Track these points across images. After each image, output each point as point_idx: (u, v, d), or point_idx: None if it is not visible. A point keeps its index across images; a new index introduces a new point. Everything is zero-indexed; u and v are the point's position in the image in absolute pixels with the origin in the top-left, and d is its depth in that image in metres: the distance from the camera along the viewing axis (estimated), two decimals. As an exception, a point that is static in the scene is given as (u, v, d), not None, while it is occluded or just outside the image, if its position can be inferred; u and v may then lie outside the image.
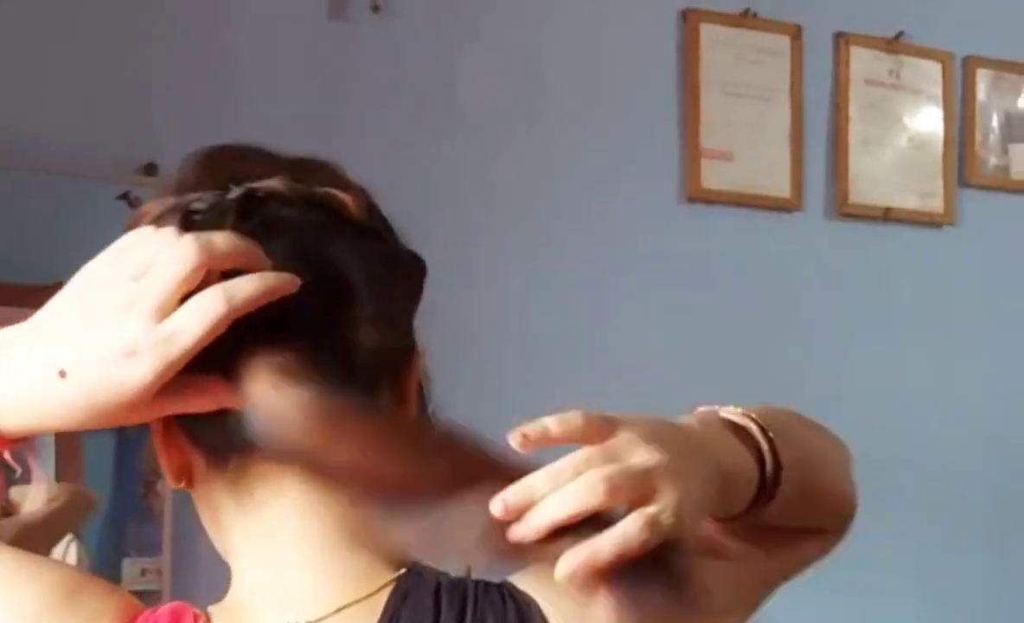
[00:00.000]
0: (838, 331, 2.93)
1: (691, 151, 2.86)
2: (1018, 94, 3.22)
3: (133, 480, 2.37)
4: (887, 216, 3.02)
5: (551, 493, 0.69)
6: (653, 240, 2.81)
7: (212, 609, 0.82)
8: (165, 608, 0.82)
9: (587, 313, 2.73)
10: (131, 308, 0.72)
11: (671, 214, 2.85)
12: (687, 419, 0.81)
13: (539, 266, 2.67)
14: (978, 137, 3.16)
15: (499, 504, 0.69)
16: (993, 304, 3.12)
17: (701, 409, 0.85)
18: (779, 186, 2.93)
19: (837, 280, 2.98)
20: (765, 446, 0.82)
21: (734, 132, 2.90)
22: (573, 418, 0.73)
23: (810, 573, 0.96)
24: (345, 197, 0.84)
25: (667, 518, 0.69)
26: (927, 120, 3.10)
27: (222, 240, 0.75)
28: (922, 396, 2.98)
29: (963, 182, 3.13)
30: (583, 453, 0.71)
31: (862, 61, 3.04)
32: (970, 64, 3.15)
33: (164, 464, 0.83)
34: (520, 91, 2.75)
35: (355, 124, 2.55)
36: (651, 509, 0.69)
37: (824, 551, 0.93)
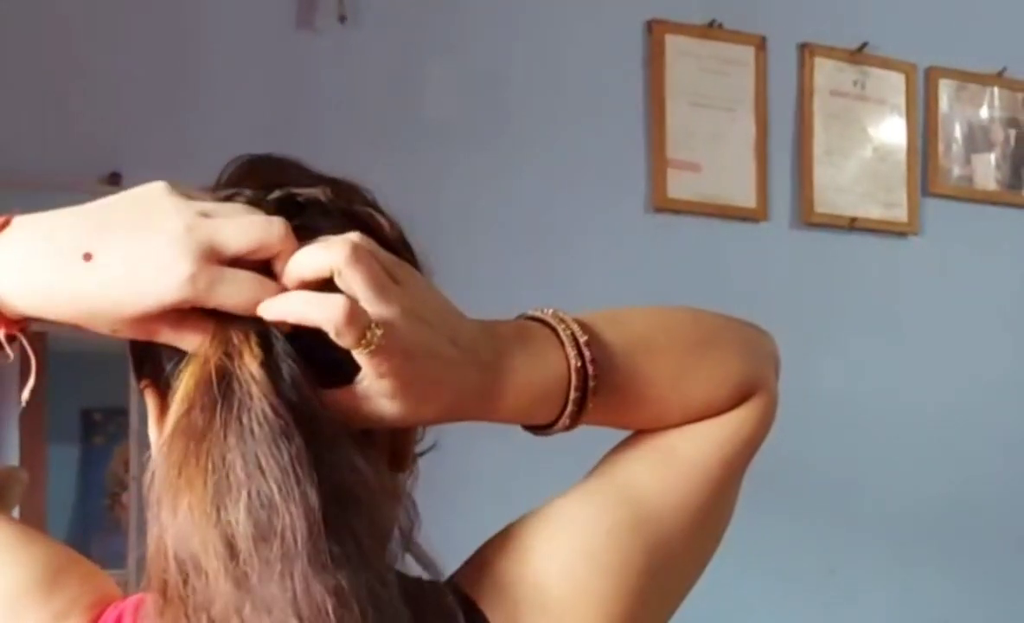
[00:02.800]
0: (803, 340, 2.94)
1: (657, 161, 2.86)
2: (980, 105, 3.25)
3: (98, 493, 2.35)
4: (852, 225, 3.04)
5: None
6: (619, 250, 2.82)
7: None
8: (131, 600, 0.82)
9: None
10: (192, 232, 0.72)
11: (637, 224, 2.85)
12: (489, 320, 0.84)
13: (505, 277, 2.66)
14: (941, 147, 3.18)
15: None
16: (956, 313, 3.14)
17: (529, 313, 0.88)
18: (744, 196, 2.94)
19: (802, 289, 2.99)
20: (571, 344, 0.84)
21: (700, 142, 2.90)
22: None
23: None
24: (382, 219, 0.86)
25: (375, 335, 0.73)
26: (891, 130, 3.12)
27: (306, 256, 0.75)
28: (886, 404, 3.00)
29: (927, 192, 3.15)
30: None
31: (826, 72, 3.05)
32: (932, 75, 3.17)
33: (157, 433, 0.83)
34: (485, 102, 2.75)
35: (321, 133, 2.54)
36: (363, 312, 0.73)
37: (756, 419, 0.94)
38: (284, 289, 0.75)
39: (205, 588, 0.70)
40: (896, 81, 3.13)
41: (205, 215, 0.74)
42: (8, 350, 0.76)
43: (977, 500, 3.06)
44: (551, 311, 0.87)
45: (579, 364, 0.84)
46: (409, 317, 0.76)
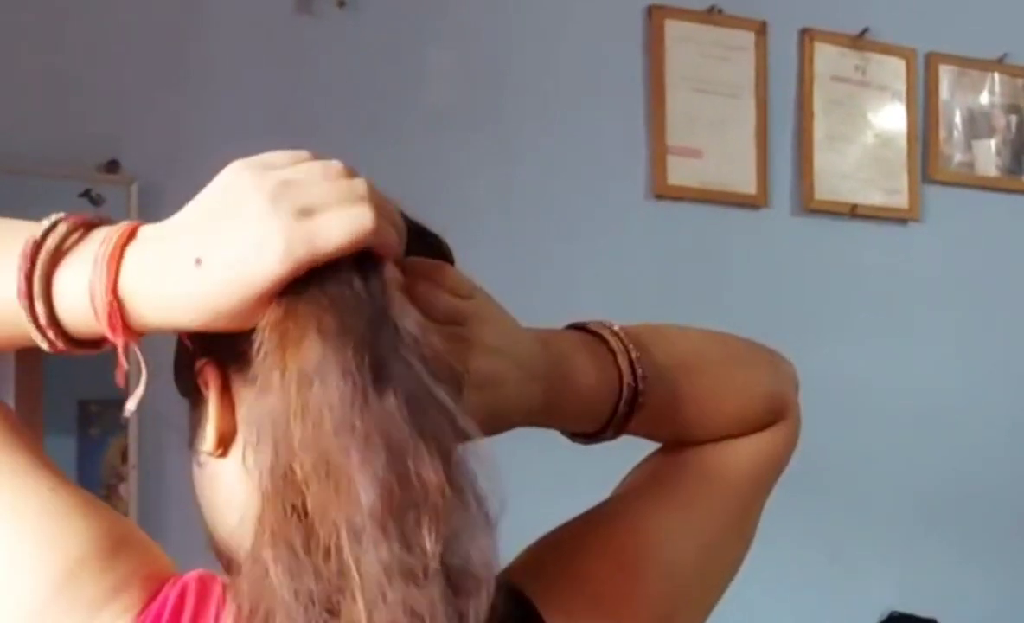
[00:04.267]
0: (805, 327, 2.94)
1: (657, 148, 2.85)
2: (981, 91, 3.24)
3: (96, 483, 2.34)
4: (853, 212, 3.03)
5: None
6: (620, 237, 2.81)
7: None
8: (192, 576, 0.81)
9: (553, 311, 2.71)
10: (278, 201, 0.73)
11: (638, 211, 2.84)
12: (547, 332, 0.90)
13: (505, 264, 2.65)
14: (942, 133, 3.17)
15: None
16: (957, 299, 3.13)
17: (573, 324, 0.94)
18: (745, 182, 2.93)
19: (803, 276, 2.98)
20: (624, 358, 0.90)
21: (700, 129, 2.89)
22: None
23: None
24: (447, 244, 0.91)
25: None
26: (892, 116, 3.11)
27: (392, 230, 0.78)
28: (888, 390, 2.99)
29: (927, 178, 3.14)
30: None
31: (827, 57, 3.04)
32: (933, 61, 3.16)
33: (214, 427, 0.85)
34: (485, 88, 2.74)
35: (319, 118, 2.53)
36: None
37: (783, 442, 1.01)
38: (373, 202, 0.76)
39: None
40: (897, 67, 3.12)
41: (287, 184, 0.74)
42: (124, 361, 0.77)
43: (979, 486, 3.06)
44: (605, 325, 0.93)
45: (631, 380, 0.89)
46: (472, 351, 0.80)
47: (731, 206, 2.91)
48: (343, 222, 0.74)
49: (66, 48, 2.41)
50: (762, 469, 0.99)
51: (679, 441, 0.97)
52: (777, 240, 2.96)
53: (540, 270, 2.70)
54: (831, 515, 2.92)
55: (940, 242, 3.13)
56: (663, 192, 2.85)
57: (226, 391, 0.85)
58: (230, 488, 0.85)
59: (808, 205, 2.99)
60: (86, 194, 2.33)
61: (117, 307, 0.75)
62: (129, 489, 2.30)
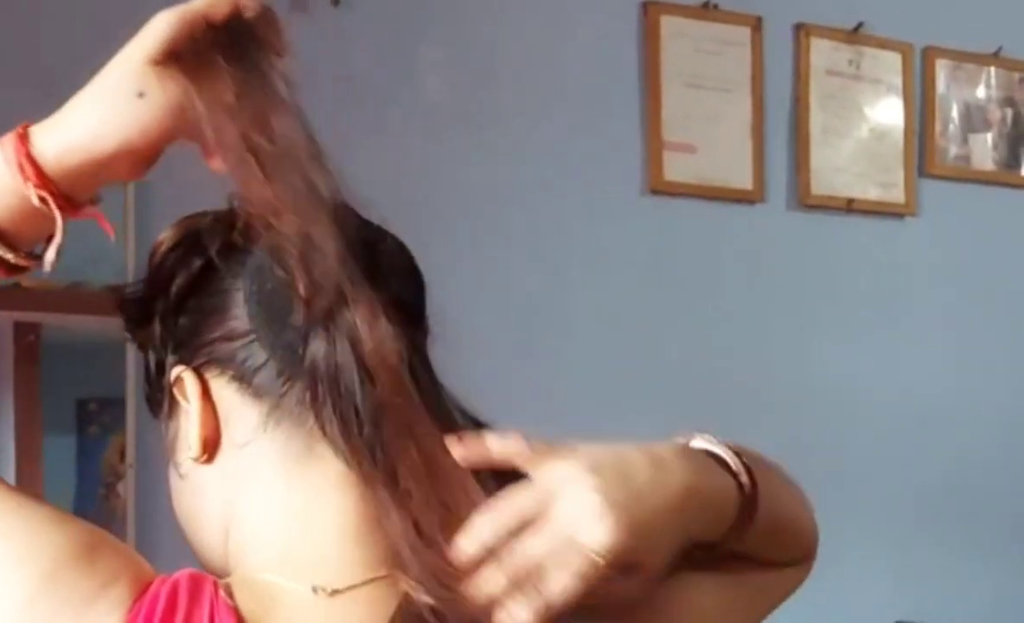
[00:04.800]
0: (800, 322, 2.94)
1: (653, 144, 2.85)
2: (977, 85, 3.24)
3: (94, 482, 2.34)
4: (849, 207, 3.03)
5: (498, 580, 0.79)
6: (616, 233, 2.81)
7: (227, 581, 0.83)
8: (182, 575, 0.82)
9: (550, 307, 2.72)
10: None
11: (634, 207, 2.84)
12: (659, 447, 0.89)
13: (501, 260, 2.66)
14: (938, 127, 3.17)
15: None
16: (953, 293, 3.13)
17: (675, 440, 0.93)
18: (741, 178, 2.93)
19: (800, 271, 2.98)
20: (744, 474, 0.91)
21: (696, 124, 2.89)
22: (513, 445, 0.83)
23: None
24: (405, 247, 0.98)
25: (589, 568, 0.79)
26: (888, 111, 3.11)
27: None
28: (884, 386, 3.00)
29: (924, 172, 3.14)
30: (530, 543, 0.80)
31: (822, 52, 3.04)
32: (929, 55, 3.16)
33: (198, 433, 0.87)
34: (480, 85, 2.74)
35: (313, 116, 2.52)
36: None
37: (800, 581, 1.05)
38: None
39: None
40: (892, 61, 3.12)
41: None
42: (34, 197, 0.83)
43: (976, 484, 3.06)
44: (724, 444, 0.93)
45: (751, 491, 0.91)
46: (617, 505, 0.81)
47: (727, 201, 2.92)
48: None
49: (61, 48, 2.41)
50: (779, 599, 1.03)
51: (754, 558, 0.98)
52: (773, 235, 2.97)
53: (535, 268, 2.70)
54: (827, 514, 2.90)
55: (936, 236, 3.13)
56: (659, 187, 2.85)
57: (206, 395, 0.87)
58: (217, 494, 0.87)
59: (804, 200, 3.00)
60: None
61: (24, 130, 0.86)
62: (127, 488, 2.31)
